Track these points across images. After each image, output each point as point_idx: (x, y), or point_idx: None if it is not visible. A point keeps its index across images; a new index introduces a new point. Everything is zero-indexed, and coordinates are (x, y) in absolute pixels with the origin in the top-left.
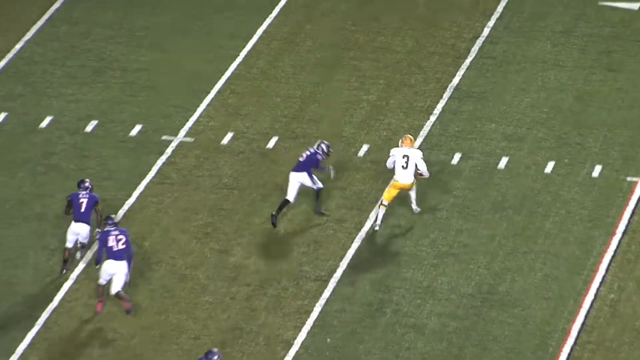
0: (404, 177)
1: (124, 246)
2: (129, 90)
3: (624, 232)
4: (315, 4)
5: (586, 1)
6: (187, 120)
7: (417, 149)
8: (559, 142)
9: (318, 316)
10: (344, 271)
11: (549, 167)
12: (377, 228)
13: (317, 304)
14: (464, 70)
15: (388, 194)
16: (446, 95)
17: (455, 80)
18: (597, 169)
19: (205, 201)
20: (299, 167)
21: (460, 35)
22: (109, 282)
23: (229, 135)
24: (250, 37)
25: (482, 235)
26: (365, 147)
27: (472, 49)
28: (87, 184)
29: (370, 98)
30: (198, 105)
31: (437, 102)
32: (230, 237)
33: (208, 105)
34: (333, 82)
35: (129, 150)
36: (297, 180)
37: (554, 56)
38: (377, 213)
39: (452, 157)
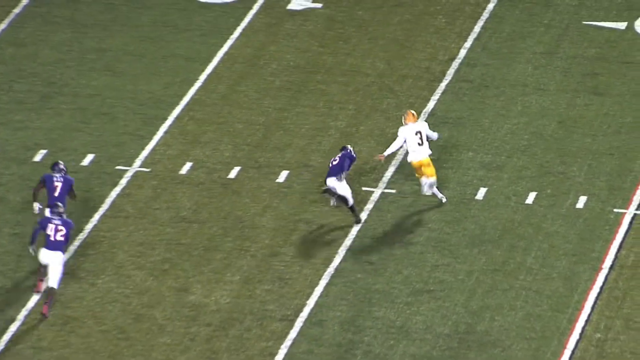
0: (421, 153)
1: (62, 238)
2: (80, 117)
3: (611, 267)
4: (280, 24)
5: (569, 20)
6: (143, 149)
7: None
8: (540, 171)
9: (283, 359)
10: (312, 310)
11: (531, 197)
12: (444, 200)
13: (282, 346)
14: (439, 94)
15: (420, 174)
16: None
17: (430, 105)
18: (582, 200)
19: (163, 235)
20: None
21: (435, 57)
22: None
23: (188, 165)
24: (210, 59)
25: (459, 270)
26: None
27: (448, 72)
28: (61, 166)
29: (339, 124)
30: (154, 133)
31: None
32: (189, 274)
33: (165, 132)
34: (299, 108)
35: (80, 181)
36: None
37: (535, 79)
38: (435, 193)
39: None
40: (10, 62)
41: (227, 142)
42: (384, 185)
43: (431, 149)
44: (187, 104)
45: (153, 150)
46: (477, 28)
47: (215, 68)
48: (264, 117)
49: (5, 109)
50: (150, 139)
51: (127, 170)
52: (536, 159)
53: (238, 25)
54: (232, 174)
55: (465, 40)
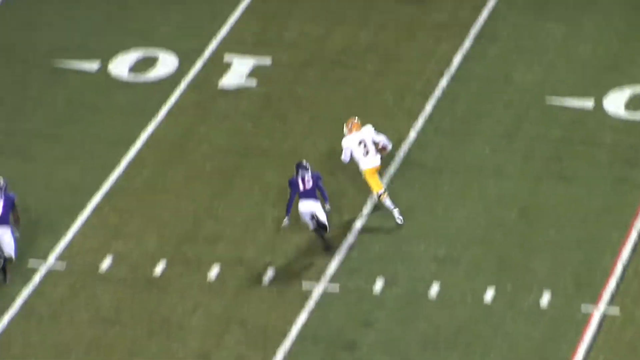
0: (371, 162)
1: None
2: None
3: None
4: (211, 103)
5: (531, 99)
6: (58, 242)
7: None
8: (500, 265)
9: None
10: None
11: (489, 294)
12: (399, 221)
13: None
14: (387, 180)
15: (375, 183)
16: (366, 210)
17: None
18: (546, 297)
19: (81, 338)
20: (309, 194)
21: None
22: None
23: (109, 259)
24: (133, 142)
25: None
26: (270, 273)
27: (397, 155)
28: (1, 183)
29: (276, 213)
30: (71, 224)
31: (355, 218)
32: None
33: (83, 224)
34: (232, 195)
35: None
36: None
37: (493, 163)
38: (388, 205)
39: (374, 284)
40: None
41: (152, 234)
42: (327, 279)
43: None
44: (108, 192)
45: (69, 243)
46: (428, 107)
47: (139, 152)
48: (193, 206)
49: None
50: (67, 231)
51: (40, 266)
52: (495, 251)
53: (164, 104)
54: (158, 269)
55: (416, 120)
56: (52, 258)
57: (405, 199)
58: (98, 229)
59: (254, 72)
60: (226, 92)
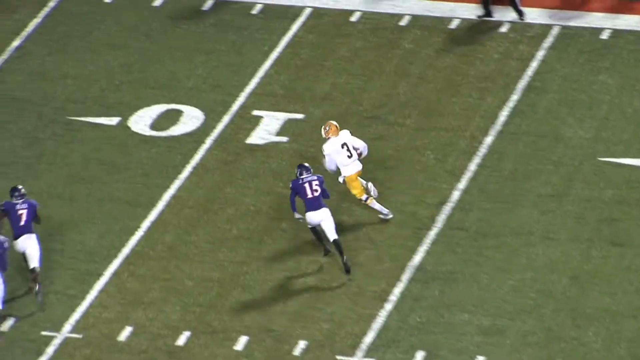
0: (354, 167)
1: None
2: None
3: None
4: (238, 161)
5: (582, 157)
6: (74, 311)
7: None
8: (549, 337)
9: None
10: None
11: None
12: (389, 216)
13: None
14: (427, 245)
15: (358, 189)
16: (405, 276)
17: (417, 257)
18: None
19: None
20: (318, 203)
21: (422, 201)
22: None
23: (128, 330)
24: (154, 204)
25: None
26: (302, 344)
27: (438, 218)
28: (22, 190)
29: (308, 281)
30: (87, 292)
31: (394, 286)
32: None
33: (100, 291)
34: (261, 261)
35: None
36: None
37: (542, 227)
38: (378, 208)
39: (413, 357)
40: None
41: (175, 303)
42: (362, 352)
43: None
44: (127, 257)
45: (86, 312)
46: (472, 166)
47: (161, 214)
48: (218, 273)
49: None
50: (83, 299)
51: (54, 336)
52: (544, 322)
53: (187, 162)
54: (181, 340)
55: (459, 181)
56: (66, 328)
57: (448, 265)
58: (116, 297)
59: (285, 128)
60: (255, 149)
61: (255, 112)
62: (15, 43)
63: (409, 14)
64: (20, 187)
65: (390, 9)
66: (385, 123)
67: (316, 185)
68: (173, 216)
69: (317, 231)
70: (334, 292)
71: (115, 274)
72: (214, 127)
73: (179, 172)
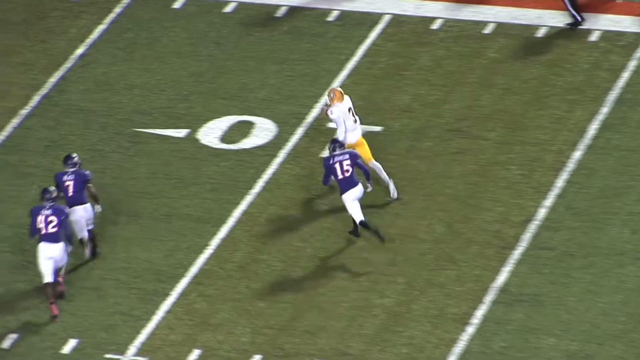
0: (358, 132)
1: (54, 229)
2: None
3: None
4: (312, 175)
5: None
6: (139, 333)
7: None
8: None
9: None
10: None
11: None
12: (394, 195)
13: None
14: (511, 265)
15: (367, 153)
16: (488, 298)
17: (500, 278)
18: None
19: None
20: (351, 182)
21: (506, 219)
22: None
23: (196, 353)
24: (224, 220)
25: None
26: None
27: (523, 237)
28: (75, 159)
29: (385, 302)
30: (153, 313)
31: (476, 309)
32: None
33: (167, 312)
34: (336, 281)
35: None
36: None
37: (633, 246)
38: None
39: None
40: None
41: (245, 325)
42: None
43: None
44: (195, 277)
45: (152, 334)
46: (560, 182)
47: (231, 231)
48: (291, 293)
49: None
50: (148, 320)
51: (118, 359)
52: (635, 347)
53: (259, 177)
54: None
55: (545, 198)
56: (131, 351)
57: (533, 286)
58: (183, 319)
59: None
60: None
61: (331, 125)
62: (79, 51)
63: (493, 22)
64: (74, 155)
65: (474, 16)
66: (467, 136)
67: (347, 165)
68: (244, 233)
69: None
70: (412, 314)
71: (183, 294)
72: (287, 140)
73: (251, 187)
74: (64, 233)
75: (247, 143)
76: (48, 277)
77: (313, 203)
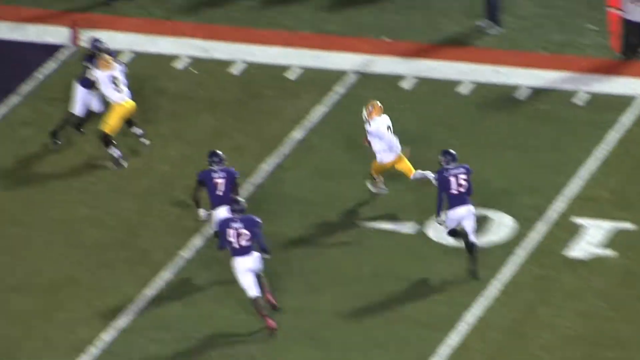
0: (396, 152)
1: (248, 243)
2: None
3: None
4: (554, 276)
5: None
6: None
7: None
8: None
9: None
10: None
11: None
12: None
13: None
14: None
15: (407, 168)
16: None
17: None
18: None
19: None
20: (464, 198)
21: None
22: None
23: None
24: (453, 326)
25: None
26: None
27: None
28: (222, 155)
29: None
30: None
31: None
32: None
33: None
34: None
35: None
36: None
37: None
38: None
39: None
40: None
41: None
42: None
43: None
44: None
45: None
46: None
47: (462, 339)
48: None
49: None
50: None
51: None
52: None
53: (494, 278)
54: None
55: None
56: None
57: None
58: None
59: (613, 240)
60: (576, 264)
61: (577, 220)
62: (297, 134)
63: None
64: (219, 152)
65: None
66: None
67: (463, 179)
68: (477, 341)
69: (457, 233)
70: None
71: None
72: (526, 237)
73: (484, 289)
74: (257, 242)
75: (481, 240)
76: (252, 292)
77: (555, 308)
